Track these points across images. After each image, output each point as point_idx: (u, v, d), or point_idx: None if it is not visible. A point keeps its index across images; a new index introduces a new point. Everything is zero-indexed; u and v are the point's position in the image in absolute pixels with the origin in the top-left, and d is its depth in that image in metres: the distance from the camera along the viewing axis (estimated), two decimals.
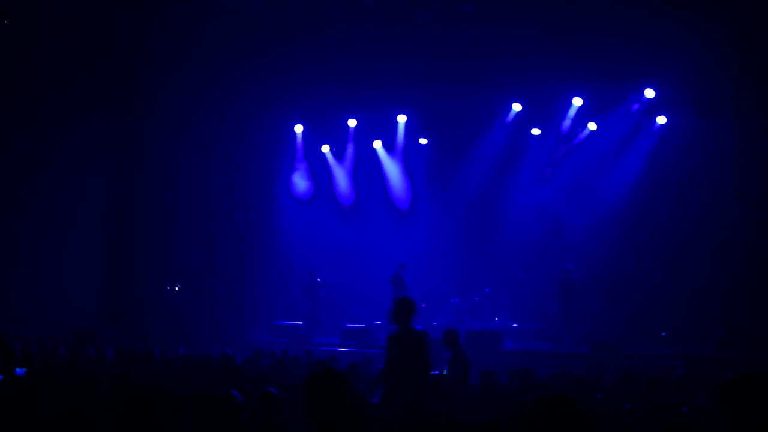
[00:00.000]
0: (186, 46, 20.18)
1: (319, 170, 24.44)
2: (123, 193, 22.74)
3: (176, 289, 22.61)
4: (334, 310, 21.83)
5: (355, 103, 22.05)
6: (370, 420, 5.65)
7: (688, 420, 7.77)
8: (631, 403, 8.56)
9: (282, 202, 24.42)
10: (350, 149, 24.01)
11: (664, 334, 18.76)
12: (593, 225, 20.92)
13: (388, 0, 18.58)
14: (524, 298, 21.39)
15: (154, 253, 22.21)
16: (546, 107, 21.19)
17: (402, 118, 23.01)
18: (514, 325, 21.01)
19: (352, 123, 23.31)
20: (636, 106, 20.38)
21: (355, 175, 24.24)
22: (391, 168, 24.03)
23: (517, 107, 21.59)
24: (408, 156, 23.78)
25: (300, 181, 24.51)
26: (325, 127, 23.54)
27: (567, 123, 21.39)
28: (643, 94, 20.01)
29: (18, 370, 9.61)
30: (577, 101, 20.81)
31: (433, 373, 10.31)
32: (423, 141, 23.64)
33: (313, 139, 23.99)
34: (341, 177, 24.35)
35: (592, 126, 21.30)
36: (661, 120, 20.41)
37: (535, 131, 22.21)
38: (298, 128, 23.78)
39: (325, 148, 24.15)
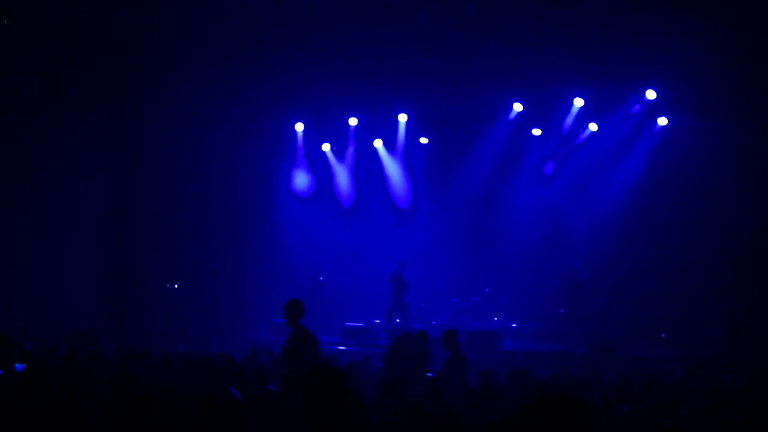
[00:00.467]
0: (186, 44, 20.17)
1: (320, 169, 24.44)
2: (123, 192, 22.72)
3: (176, 287, 22.60)
4: (333, 309, 21.81)
5: (356, 101, 22.04)
6: (369, 418, 5.64)
7: (686, 422, 7.76)
8: (629, 405, 8.56)
9: (282, 200, 24.41)
10: (351, 148, 24.01)
11: (663, 335, 18.78)
12: (593, 226, 20.96)
13: None
14: (524, 298, 21.41)
15: (154, 252, 22.19)
16: (547, 107, 21.20)
17: (403, 118, 23.02)
18: (514, 325, 21.02)
19: (353, 122, 23.32)
20: (637, 107, 20.38)
21: (355, 174, 24.24)
22: (392, 167, 24.04)
23: (518, 107, 21.60)
24: (408, 155, 23.79)
25: (300, 179, 24.50)
26: (326, 126, 23.54)
27: (568, 123, 21.38)
28: (644, 95, 20.02)
29: (17, 365, 9.60)
30: (578, 102, 20.81)
31: (428, 375, 10.34)
32: (424, 140, 23.64)
33: (313, 137, 23.99)
34: (342, 176, 24.36)
35: (593, 126, 21.31)
36: (662, 121, 20.41)
37: (536, 131, 22.22)
38: (299, 127, 23.77)
39: (326, 147, 24.15)
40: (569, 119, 21.28)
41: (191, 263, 22.24)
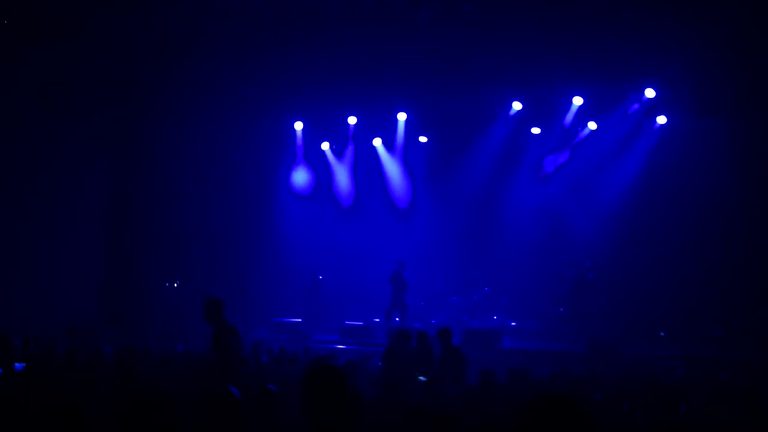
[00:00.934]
0: (185, 44, 20.18)
1: (319, 168, 24.45)
2: (122, 191, 22.73)
3: (175, 285, 22.60)
4: (332, 308, 21.83)
5: (355, 100, 22.05)
6: (368, 417, 5.65)
7: (686, 421, 7.77)
8: (629, 404, 8.56)
9: (281, 200, 24.43)
10: (350, 147, 24.02)
11: (662, 334, 18.79)
12: (592, 224, 20.96)
13: None
14: (523, 297, 21.43)
15: (153, 251, 22.20)
16: (546, 106, 21.20)
17: (402, 116, 23.02)
18: (513, 323, 21.03)
19: (352, 121, 23.32)
20: (636, 106, 20.39)
21: (354, 173, 24.25)
22: (391, 166, 24.04)
23: (517, 106, 21.61)
24: (408, 154, 23.79)
25: (300, 176, 24.50)
26: (325, 125, 23.54)
27: (567, 122, 21.39)
28: (643, 94, 20.03)
29: (17, 365, 9.61)
30: (578, 100, 20.82)
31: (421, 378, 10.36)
32: (423, 139, 23.64)
33: (313, 136, 23.99)
34: (341, 175, 24.36)
35: (592, 125, 21.32)
36: (662, 120, 20.42)
37: (535, 130, 22.23)
38: (298, 126, 23.77)
39: (325, 146, 24.16)
40: (569, 118, 21.28)
41: (191, 262, 22.24)
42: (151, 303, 21.65)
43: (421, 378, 10.39)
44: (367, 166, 24.12)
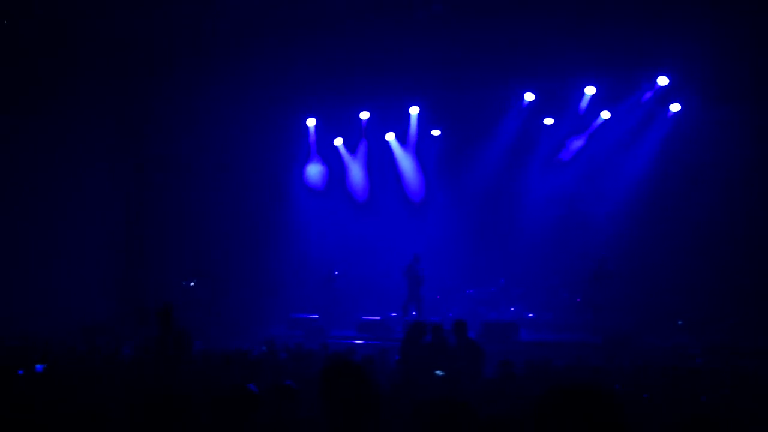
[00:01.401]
0: (198, 41, 20.22)
1: (333, 163, 24.46)
2: (138, 189, 22.80)
3: (192, 284, 22.66)
4: (349, 303, 21.85)
5: (367, 95, 22.05)
6: (386, 411, 5.64)
7: (706, 409, 7.73)
8: (648, 393, 8.53)
9: (296, 196, 24.44)
10: (363, 142, 24.01)
11: (680, 323, 18.70)
12: (608, 214, 20.88)
13: None
14: (540, 289, 21.38)
15: (170, 249, 22.27)
16: (559, 96, 21.13)
17: (414, 110, 22.99)
18: (530, 315, 20.99)
19: (364, 116, 23.31)
20: (649, 94, 20.28)
21: (368, 168, 24.24)
22: (404, 160, 24.02)
23: (529, 97, 21.54)
24: (421, 148, 23.76)
25: (314, 171, 24.51)
26: (338, 120, 23.54)
27: (580, 111, 21.31)
28: (656, 82, 19.92)
29: (37, 366, 9.66)
30: (590, 90, 20.73)
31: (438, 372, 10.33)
32: (436, 132, 23.60)
33: (325, 132, 23.99)
34: (355, 170, 24.36)
35: (605, 115, 21.22)
36: (675, 107, 20.30)
37: (548, 121, 22.15)
38: (311, 122, 23.78)
39: (338, 142, 24.17)
40: (582, 107, 21.19)
41: (206, 258, 22.31)
42: (167, 300, 21.66)
43: (438, 372, 10.37)
44: (380, 161, 24.11)
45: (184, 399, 4.62)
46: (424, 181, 24.04)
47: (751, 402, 7.98)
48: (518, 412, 4.80)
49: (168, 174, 22.33)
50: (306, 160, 24.44)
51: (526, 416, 4.31)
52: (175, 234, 22.29)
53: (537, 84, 21.06)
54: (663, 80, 19.77)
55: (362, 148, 24.14)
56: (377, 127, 23.61)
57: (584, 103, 21.10)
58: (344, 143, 24.22)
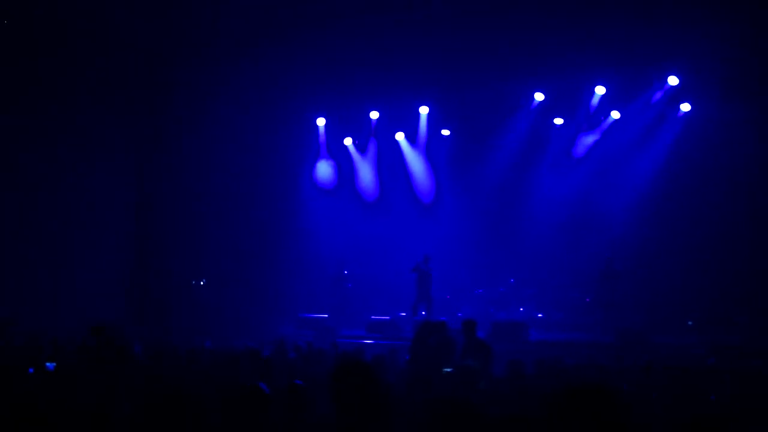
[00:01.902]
0: (207, 42, 20.25)
1: (343, 163, 24.48)
2: (148, 189, 22.85)
3: (201, 283, 22.72)
4: (359, 303, 21.88)
5: (377, 95, 22.06)
6: (396, 411, 5.66)
7: (715, 409, 7.72)
8: (657, 393, 8.52)
9: (306, 195, 24.48)
10: (373, 142, 24.03)
11: (690, 323, 18.66)
12: (618, 214, 20.85)
13: None
14: (550, 288, 21.37)
15: (180, 248, 22.32)
16: (569, 96, 21.10)
17: (424, 110, 22.99)
18: (540, 315, 20.97)
19: (374, 115, 23.32)
20: (660, 94, 20.25)
21: (378, 168, 24.26)
22: (414, 160, 24.02)
23: (539, 97, 21.52)
24: (431, 147, 23.76)
25: (324, 169, 24.54)
26: (348, 120, 23.56)
27: (590, 111, 21.29)
28: (666, 82, 19.88)
29: (48, 364, 9.71)
30: (600, 90, 20.70)
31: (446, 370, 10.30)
32: (445, 132, 23.60)
33: (335, 132, 24.02)
34: (364, 169, 24.38)
35: (615, 114, 21.19)
36: (685, 107, 20.26)
37: (558, 121, 22.13)
38: (321, 121, 23.81)
39: (348, 141, 24.18)
40: (592, 107, 21.17)
41: (217, 259, 22.36)
42: (177, 300, 21.77)
43: (447, 369, 10.34)
44: (390, 161, 24.12)
45: (193, 398, 4.64)
46: (433, 180, 24.04)
47: (759, 402, 7.97)
48: (528, 412, 4.81)
49: (177, 173, 22.35)
50: (316, 160, 24.47)
51: (535, 416, 4.32)
52: (185, 233, 22.33)
53: (547, 84, 21.03)
54: (673, 80, 19.72)
55: (372, 148, 24.15)
56: (387, 127, 23.62)
57: (594, 102, 21.07)
58: (354, 143, 24.25)
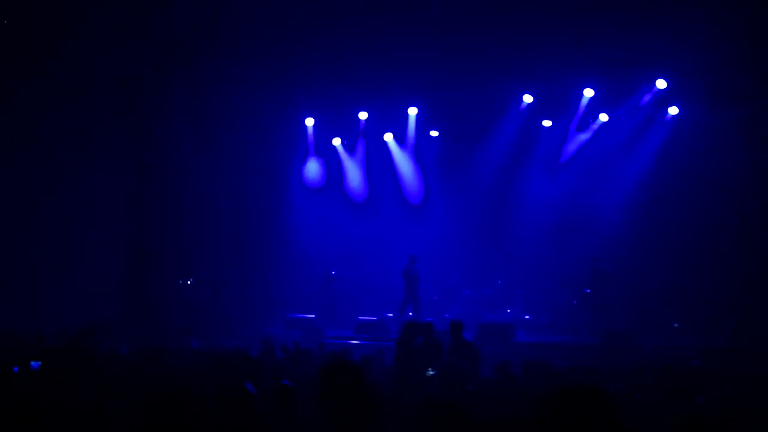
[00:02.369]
0: (197, 43, 20.21)
1: (332, 163, 24.46)
2: (138, 189, 22.80)
3: (188, 283, 22.67)
4: (346, 303, 21.87)
5: (365, 95, 22.05)
6: (384, 411, 5.65)
7: (702, 411, 7.74)
8: (643, 395, 8.54)
9: (294, 195, 24.46)
10: (361, 142, 24.01)
11: (676, 325, 18.73)
12: (606, 216, 20.89)
13: None
14: (537, 290, 21.40)
15: (168, 247, 22.28)
16: (557, 98, 21.14)
17: (413, 111, 22.99)
18: (527, 317, 21.00)
19: (363, 116, 23.31)
20: (648, 97, 20.31)
21: (366, 168, 24.24)
22: (403, 161, 24.02)
23: (528, 99, 21.54)
24: (419, 148, 23.76)
25: (312, 169, 24.52)
26: (336, 120, 23.54)
27: (578, 114, 21.34)
28: (654, 85, 19.94)
29: (33, 363, 9.65)
30: (589, 92, 20.75)
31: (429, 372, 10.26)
32: (434, 133, 23.61)
33: (324, 132, 23.99)
34: (353, 170, 24.36)
35: (603, 117, 21.24)
36: (673, 110, 20.33)
37: (547, 123, 22.17)
38: (309, 121, 23.78)
39: (336, 142, 24.16)
40: (580, 110, 21.22)
41: (205, 258, 22.34)
42: (165, 299, 21.73)
43: (430, 371, 10.30)
44: (378, 161, 24.11)
45: (180, 398, 4.63)
46: (422, 181, 24.04)
47: (746, 403, 8.00)
48: (517, 414, 4.81)
49: (168, 174, 22.34)
50: (304, 160, 24.44)
51: (524, 417, 4.33)
52: (174, 233, 22.29)
53: (535, 86, 21.06)
54: (661, 83, 19.79)
55: (360, 149, 24.14)
56: (376, 128, 23.60)
57: (583, 105, 21.11)
58: (342, 143, 24.23)
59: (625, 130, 21.01)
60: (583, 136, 21.79)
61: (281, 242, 23.49)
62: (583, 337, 18.38)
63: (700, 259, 19.32)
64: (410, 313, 19.83)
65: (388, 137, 23.80)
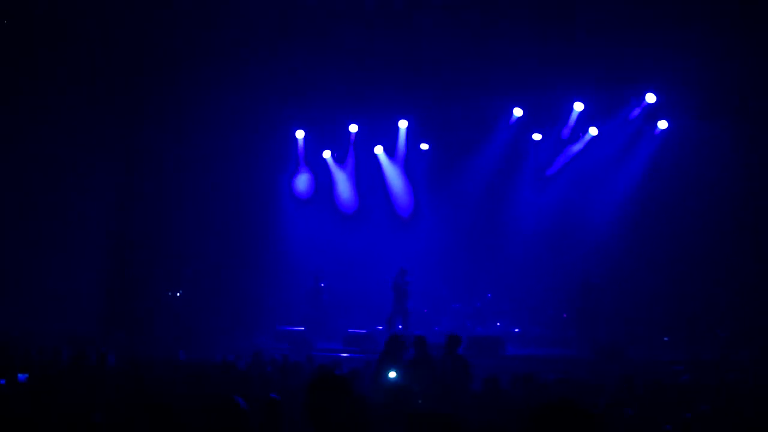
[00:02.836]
0: (188, 51, 20.21)
1: (322, 175, 24.44)
2: (125, 198, 22.76)
3: (177, 294, 22.61)
4: (335, 316, 21.81)
5: (356, 108, 22.07)
6: (373, 424, 5.64)
7: (691, 426, 7.74)
8: (633, 409, 8.54)
9: (284, 207, 24.42)
10: (351, 155, 24.01)
11: (666, 339, 18.75)
12: (596, 230, 20.92)
13: (389, 5, 18.58)
14: (527, 303, 21.39)
15: (157, 258, 22.22)
16: (547, 112, 21.21)
17: (403, 124, 23.01)
18: (516, 330, 20.98)
19: (353, 128, 23.31)
20: (638, 111, 20.39)
21: (356, 181, 24.24)
22: (393, 173, 24.03)
23: (518, 112, 21.59)
24: (409, 161, 23.78)
25: (302, 181, 24.51)
26: (327, 133, 23.55)
27: (568, 128, 21.40)
28: (644, 99, 20.03)
29: (20, 375, 9.59)
30: (579, 106, 20.81)
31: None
32: (424, 146, 23.63)
33: (314, 144, 23.99)
34: (343, 182, 24.35)
35: (593, 131, 21.31)
36: (663, 124, 20.41)
37: (536, 136, 22.22)
38: (300, 134, 23.77)
39: (327, 154, 24.16)
40: (570, 123, 21.29)
41: (193, 268, 22.28)
42: (153, 310, 21.66)
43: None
44: (369, 174, 24.11)
45: (167, 409, 4.60)
46: (412, 194, 24.05)
47: (734, 417, 8.01)
48: (503, 427, 4.81)
49: (156, 184, 22.29)
50: (294, 172, 24.43)
51: (510, 430, 4.32)
52: (162, 243, 22.24)
53: (526, 99, 21.12)
54: (651, 97, 19.88)
55: (351, 161, 24.13)
56: (366, 140, 23.62)
57: (573, 119, 21.18)
58: (333, 155, 24.22)
59: (614, 143, 21.08)
60: (573, 150, 21.84)
61: (271, 254, 23.44)
62: (573, 350, 18.38)
63: (690, 272, 19.36)
64: (399, 326, 19.78)
65: (379, 150, 23.82)
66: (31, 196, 20.64)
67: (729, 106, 18.78)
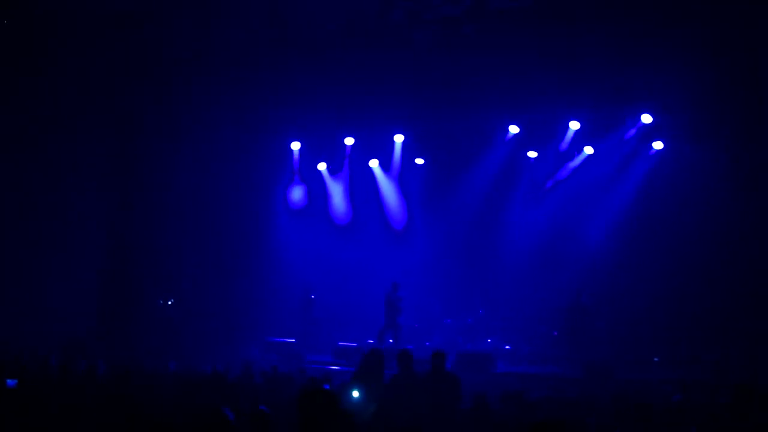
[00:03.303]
0: (183, 65, 20.26)
1: (316, 188, 24.45)
2: (118, 208, 22.74)
3: (169, 303, 22.56)
4: (326, 328, 21.78)
5: (352, 122, 22.12)
6: None
7: None
8: (621, 428, 8.53)
9: (277, 219, 24.42)
10: (346, 168, 24.03)
11: (656, 359, 18.73)
12: (588, 249, 20.94)
13: (386, 20, 18.65)
14: (518, 321, 21.36)
15: (148, 267, 22.20)
16: (543, 130, 21.25)
17: (399, 138, 23.05)
18: (507, 347, 20.95)
19: (348, 142, 23.35)
20: (633, 131, 20.44)
21: (351, 194, 24.25)
22: (387, 187, 24.05)
23: (514, 129, 21.63)
24: (404, 176, 23.81)
25: (296, 192, 24.51)
26: (322, 146, 23.59)
27: (564, 146, 21.44)
28: (640, 119, 20.08)
29: (9, 381, 9.56)
30: (574, 125, 20.87)
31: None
32: (419, 161, 23.67)
33: (309, 157, 24.02)
34: (337, 195, 24.36)
35: (588, 150, 21.35)
36: (658, 145, 20.46)
37: (532, 154, 22.27)
38: (295, 146, 23.80)
39: (322, 166, 24.18)
40: (565, 142, 21.34)
41: (185, 280, 22.24)
42: (144, 320, 21.62)
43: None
44: (363, 187, 24.13)
45: (156, 420, 4.60)
46: (406, 208, 24.07)
47: None
48: None
49: (150, 193, 22.29)
50: (289, 184, 24.44)
51: None
52: (155, 252, 22.22)
53: (521, 117, 21.18)
54: (647, 118, 19.93)
55: (346, 174, 24.15)
56: (361, 154, 23.65)
57: (568, 137, 21.23)
58: (328, 168, 24.24)
59: (609, 163, 21.11)
60: (568, 168, 21.88)
61: (263, 264, 23.43)
62: (563, 368, 18.35)
63: (683, 292, 19.35)
64: (390, 341, 19.76)
65: (374, 163, 23.85)
66: (23, 206, 20.63)
67: (724, 129, 18.83)
